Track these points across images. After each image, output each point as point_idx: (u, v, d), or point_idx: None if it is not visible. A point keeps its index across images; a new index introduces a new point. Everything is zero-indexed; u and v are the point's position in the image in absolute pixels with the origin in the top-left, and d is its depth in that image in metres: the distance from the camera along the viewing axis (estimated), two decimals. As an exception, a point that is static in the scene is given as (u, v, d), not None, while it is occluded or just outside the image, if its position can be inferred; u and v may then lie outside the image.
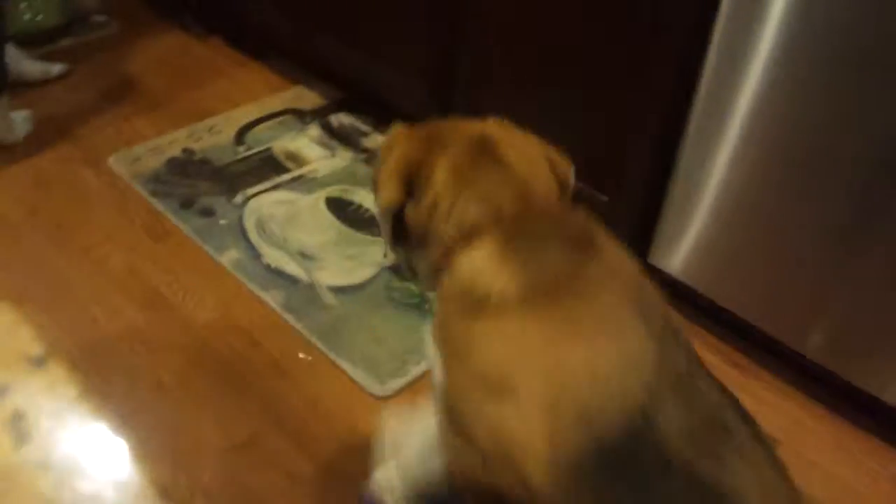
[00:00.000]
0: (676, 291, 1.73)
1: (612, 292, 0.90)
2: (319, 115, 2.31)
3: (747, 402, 1.56)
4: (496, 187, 0.95)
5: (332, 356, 1.60)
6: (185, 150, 2.14)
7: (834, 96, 1.33)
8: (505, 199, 0.94)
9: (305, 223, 1.93)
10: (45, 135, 2.17)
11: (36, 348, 1.58)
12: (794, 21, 1.31)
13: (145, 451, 1.42)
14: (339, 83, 2.37)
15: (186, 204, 1.95)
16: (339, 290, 1.75)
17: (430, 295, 1.21)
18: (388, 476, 1.17)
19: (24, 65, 2.35)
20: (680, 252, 1.67)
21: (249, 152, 2.16)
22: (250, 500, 1.36)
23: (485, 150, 0.97)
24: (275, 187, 2.04)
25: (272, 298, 1.72)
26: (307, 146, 2.19)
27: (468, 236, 0.93)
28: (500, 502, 0.88)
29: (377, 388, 1.54)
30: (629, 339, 0.87)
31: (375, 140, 2.21)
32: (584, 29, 1.60)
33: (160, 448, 1.43)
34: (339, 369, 1.58)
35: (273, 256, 1.82)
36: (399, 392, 1.55)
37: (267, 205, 1.98)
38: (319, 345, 1.62)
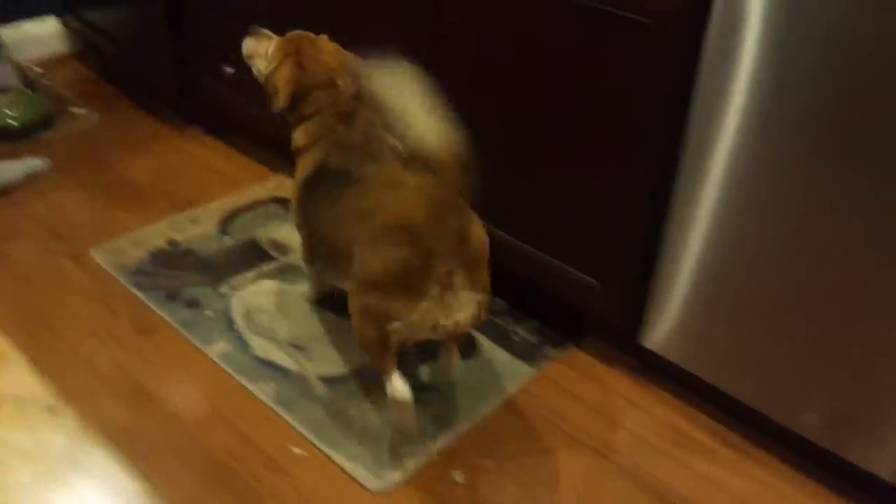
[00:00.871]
0: (668, 372, 1.75)
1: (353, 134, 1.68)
2: (303, 203, 2.32)
3: (745, 485, 1.57)
4: (323, 101, 1.70)
5: (327, 450, 1.57)
6: (169, 242, 2.13)
7: (807, 173, 1.37)
8: (323, 101, 1.70)
9: (293, 312, 1.92)
10: (25, 228, 2.15)
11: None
12: (761, 93, 1.37)
13: (136, 558, 1.37)
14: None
15: (172, 296, 1.93)
16: (330, 381, 1.73)
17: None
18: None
19: (5, 171, 2.32)
20: (668, 333, 1.68)
21: (234, 242, 2.15)
22: None
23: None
24: (261, 276, 2.03)
25: (262, 391, 1.69)
26: (291, 234, 2.18)
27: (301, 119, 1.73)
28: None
29: (373, 483, 1.51)
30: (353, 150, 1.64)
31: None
32: (567, 116, 1.64)
33: (151, 554, 1.37)
34: (334, 463, 1.55)
35: (262, 347, 1.80)
36: (396, 486, 1.52)
37: (254, 294, 1.97)
38: (313, 438, 1.59)
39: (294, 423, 1.62)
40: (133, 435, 1.58)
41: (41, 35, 3.08)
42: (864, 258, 1.36)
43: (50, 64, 3.05)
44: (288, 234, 2.18)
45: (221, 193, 2.35)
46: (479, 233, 1.46)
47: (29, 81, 2.83)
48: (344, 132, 1.67)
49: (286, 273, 2.05)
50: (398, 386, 1.50)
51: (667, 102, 1.49)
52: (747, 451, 1.65)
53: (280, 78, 1.70)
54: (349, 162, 1.60)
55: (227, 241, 2.15)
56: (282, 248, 2.14)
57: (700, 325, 1.63)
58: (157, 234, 2.16)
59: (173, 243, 2.13)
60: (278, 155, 2.46)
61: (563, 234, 1.77)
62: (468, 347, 1.85)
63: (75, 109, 2.77)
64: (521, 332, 1.91)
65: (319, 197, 1.62)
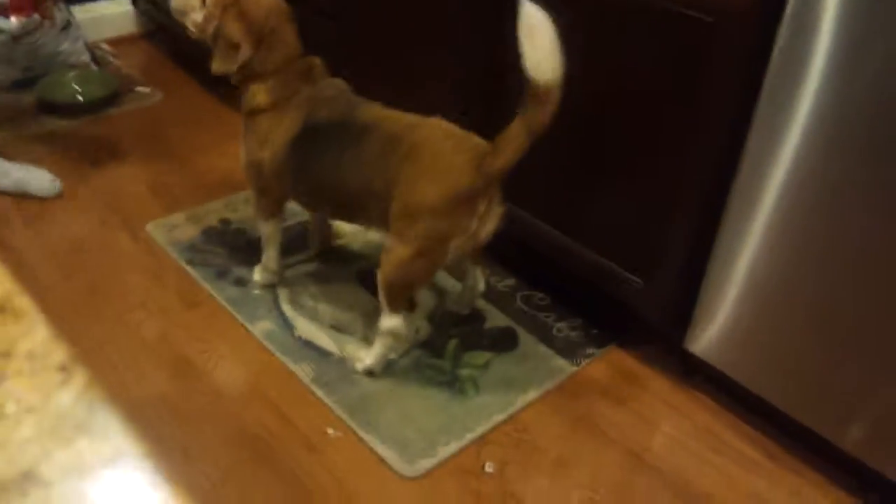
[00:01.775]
0: (712, 378, 1.71)
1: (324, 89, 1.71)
2: (354, 189, 2.34)
3: (784, 498, 1.52)
4: (277, 54, 1.69)
5: (361, 433, 1.58)
6: (221, 221, 2.17)
7: (875, 180, 1.32)
8: (278, 57, 1.69)
9: (337, 296, 1.94)
10: (85, 201, 2.22)
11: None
12: (828, 110, 1.33)
13: (169, 524, 1.40)
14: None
15: (221, 273, 1.97)
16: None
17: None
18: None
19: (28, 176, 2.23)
20: (715, 338, 1.65)
21: (284, 224, 2.17)
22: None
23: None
24: (308, 259, 2.05)
25: (303, 371, 1.71)
26: (341, 219, 2.21)
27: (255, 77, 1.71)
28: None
29: (406, 469, 1.51)
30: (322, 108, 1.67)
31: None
32: (624, 117, 1.62)
33: (184, 521, 1.40)
34: (368, 447, 1.56)
35: (305, 329, 1.82)
36: (428, 473, 1.52)
37: (300, 276, 1.99)
38: (349, 421, 1.60)
39: (331, 404, 1.64)
40: (174, 403, 1.62)
41: (113, 15, 3.17)
42: None
43: (120, 44, 3.13)
44: (337, 218, 2.20)
45: (276, 176, 2.38)
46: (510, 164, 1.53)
47: (98, 60, 2.92)
48: (311, 90, 1.68)
49: (332, 256, 2.06)
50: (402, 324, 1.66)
51: (730, 103, 1.45)
52: (788, 463, 1.60)
53: (233, 29, 1.65)
54: (341, 114, 1.63)
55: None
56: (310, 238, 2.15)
57: (749, 333, 1.59)
58: (211, 212, 2.20)
59: (226, 222, 2.17)
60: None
61: (611, 231, 1.74)
62: (509, 340, 1.84)
63: (141, 88, 2.84)
64: (563, 329, 1.89)
65: (322, 152, 1.61)
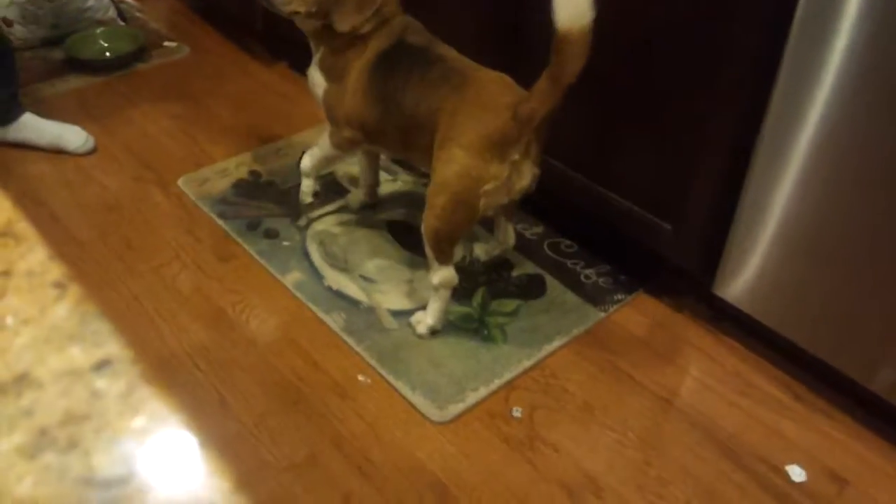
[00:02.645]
0: (740, 322, 1.71)
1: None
2: (381, 139, 2.35)
3: (813, 439, 1.53)
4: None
5: (391, 380, 1.61)
6: (251, 173, 2.19)
7: (908, 128, 1.30)
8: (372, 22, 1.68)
9: (367, 247, 1.96)
10: (117, 157, 2.25)
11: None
12: (862, 48, 1.29)
13: (204, 468, 1.45)
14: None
15: (252, 226, 2.00)
16: (398, 314, 1.77)
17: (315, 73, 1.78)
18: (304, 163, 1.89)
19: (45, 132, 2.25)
20: (744, 283, 1.64)
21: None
22: (309, 521, 1.37)
23: None
24: (338, 210, 2.07)
25: (333, 321, 1.74)
26: (369, 170, 2.22)
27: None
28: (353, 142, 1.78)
29: (435, 414, 1.55)
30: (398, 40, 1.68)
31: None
32: (653, 63, 1.60)
33: (219, 465, 1.45)
34: (398, 393, 1.59)
35: (335, 279, 1.85)
36: (457, 418, 1.55)
37: (330, 228, 2.01)
38: (379, 368, 1.64)
39: (362, 352, 1.67)
40: (210, 352, 1.66)
41: (138, -30, 3.17)
42: None
43: (146, -1, 3.14)
44: (365, 169, 2.21)
45: (304, 127, 2.39)
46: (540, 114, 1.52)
47: (124, 15, 2.93)
48: (404, 18, 1.71)
49: (362, 208, 2.08)
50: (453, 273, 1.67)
51: (760, 45, 1.42)
52: (817, 405, 1.61)
53: None
54: (427, 40, 1.67)
55: (307, 175, 2.19)
56: (359, 183, 2.16)
57: (778, 277, 1.58)
58: (240, 165, 2.23)
59: (256, 174, 2.19)
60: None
61: (641, 177, 1.73)
62: (537, 287, 1.85)
63: (168, 43, 2.85)
64: (591, 275, 1.89)
65: (399, 70, 1.63)
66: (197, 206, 2.07)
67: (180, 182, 2.15)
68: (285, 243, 1.95)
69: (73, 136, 2.24)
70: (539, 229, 2.03)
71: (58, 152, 2.23)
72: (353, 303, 1.79)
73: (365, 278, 1.86)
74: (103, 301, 1.78)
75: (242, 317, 1.76)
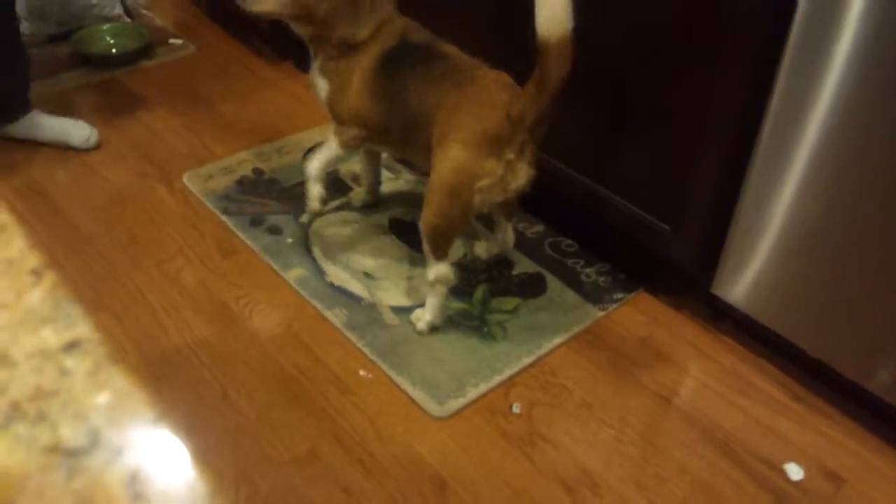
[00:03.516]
0: (739, 322, 1.72)
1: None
2: (384, 138, 2.36)
3: (810, 438, 1.54)
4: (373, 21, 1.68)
5: (392, 375, 1.63)
6: (255, 170, 2.21)
7: (907, 129, 1.31)
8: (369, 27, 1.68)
9: (368, 244, 1.97)
10: (122, 153, 2.27)
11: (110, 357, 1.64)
12: (865, 46, 1.30)
13: (207, 461, 1.46)
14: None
15: (255, 222, 2.01)
16: (400, 311, 1.78)
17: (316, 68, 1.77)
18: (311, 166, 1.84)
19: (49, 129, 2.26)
20: (743, 283, 1.65)
21: (316, 173, 2.21)
22: (309, 513, 1.39)
23: None
24: (340, 207, 2.09)
25: (335, 316, 1.75)
26: (372, 168, 2.23)
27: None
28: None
29: (436, 409, 1.56)
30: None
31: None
32: (651, 62, 1.61)
33: (222, 458, 1.47)
34: (399, 388, 1.61)
35: (337, 275, 1.86)
36: (457, 413, 1.56)
37: (332, 224, 2.03)
38: (380, 363, 1.65)
39: (363, 348, 1.68)
40: (213, 346, 1.68)
41: (145, -32, 3.19)
42: None
43: (153, -4, 3.16)
44: (368, 167, 2.22)
45: (308, 126, 2.41)
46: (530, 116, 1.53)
47: (131, 12, 2.95)
48: (404, 19, 1.72)
49: (364, 205, 2.09)
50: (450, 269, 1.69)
51: (761, 41, 1.43)
52: (815, 405, 1.62)
53: None
54: (429, 38, 1.69)
55: (310, 173, 2.21)
56: (360, 181, 2.18)
57: (777, 277, 1.59)
58: (244, 162, 2.24)
59: (259, 172, 2.21)
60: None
61: (640, 177, 1.74)
62: (537, 285, 1.87)
63: (174, 41, 2.87)
64: (591, 274, 1.91)
65: (402, 67, 1.64)
66: (201, 202, 2.08)
67: (184, 178, 2.16)
68: (288, 240, 1.97)
69: (78, 132, 2.26)
70: (540, 228, 2.04)
71: (63, 148, 2.24)
72: (355, 299, 1.81)
73: (367, 275, 1.87)
74: (104, 293, 1.79)
75: (245, 312, 1.77)
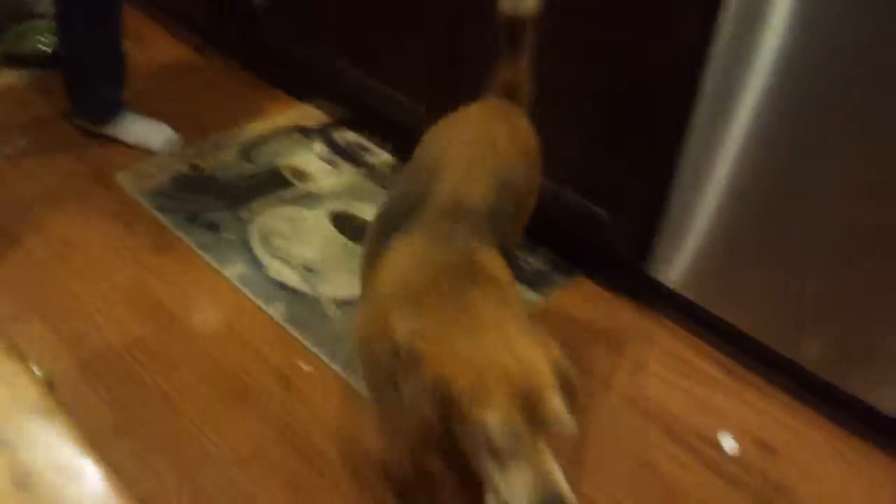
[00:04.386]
0: (676, 304, 1.76)
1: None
2: (324, 132, 2.35)
3: (743, 412, 1.59)
4: None
5: (335, 367, 1.62)
6: (192, 167, 2.18)
7: (835, 103, 1.35)
8: None
9: (309, 238, 1.96)
10: (55, 150, 2.21)
11: (43, 360, 1.60)
12: (804, 13, 1.33)
13: (147, 462, 1.44)
14: (343, 101, 2.41)
15: (192, 218, 1.98)
16: (342, 303, 1.77)
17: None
18: None
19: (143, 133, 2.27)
20: (679, 266, 1.69)
21: (255, 168, 2.19)
22: (253, 510, 1.38)
23: None
24: (280, 202, 2.07)
25: (276, 311, 1.74)
26: (312, 162, 2.22)
27: None
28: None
29: (378, 399, 1.56)
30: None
31: (377, 156, 2.25)
32: (582, 49, 1.63)
33: (163, 459, 1.45)
34: (342, 380, 1.60)
35: (277, 270, 1.85)
36: (400, 403, 1.57)
37: (272, 220, 2.01)
38: (321, 356, 1.64)
39: (305, 341, 1.68)
40: (150, 346, 1.65)
41: (73, -37, 3.10)
42: (884, 198, 1.35)
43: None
44: (308, 162, 2.21)
45: (246, 121, 2.38)
46: None
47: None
48: None
49: (305, 199, 2.08)
50: None
51: (689, 34, 1.46)
52: (750, 380, 1.66)
53: None
54: None
55: (249, 168, 2.19)
56: (302, 175, 2.17)
57: (711, 259, 1.63)
58: (180, 159, 2.21)
59: (196, 168, 2.18)
60: (303, 84, 2.48)
61: (576, 166, 1.76)
62: (479, 275, 1.88)
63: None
64: (531, 261, 1.92)
65: None
66: (136, 201, 2.04)
67: (119, 176, 2.12)
68: (226, 235, 1.94)
69: (157, 135, 2.24)
70: (481, 217, 2.05)
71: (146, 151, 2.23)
72: (296, 293, 1.79)
73: (307, 269, 1.86)
74: (36, 295, 1.75)
75: (183, 310, 1.75)
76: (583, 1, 1.58)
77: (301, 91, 2.49)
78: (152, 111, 2.41)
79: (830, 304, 1.48)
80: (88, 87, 2.22)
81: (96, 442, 0.90)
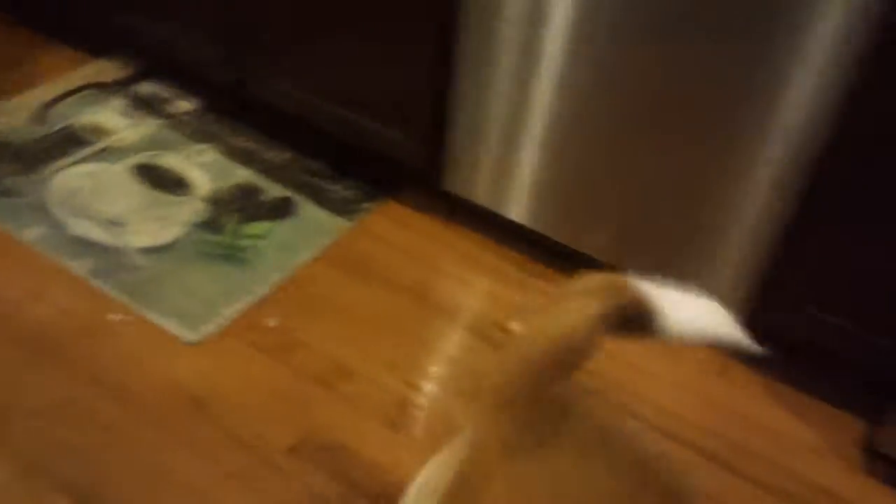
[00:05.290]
0: (473, 212, 1.87)
1: None
2: (122, 86, 2.30)
3: (533, 299, 1.71)
4: None
5: (143, 312, 1.63)
6: (-22, 134, 2.08)
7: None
8: None
9: (113, 192, 1.94)
10: None
11: None
12: None
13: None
14: (139, 53, 2.35)
15: (-17, 186, 1.92)
16: (148, 251, 1.78)
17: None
18: None
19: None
20: (468, 175, 1.79)
21: (51, 130, 2.12)
22: (68, 455, 1.39)
23: None
24: (79, 161, 2.02)
25: (79, 266, 1.72)
26: (111, 118, 2.17)
27: None
28: None
29: (189, 335, 1.59)
30: None
31: (178, 105, 2.23)
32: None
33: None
34: (151, 324, 1.62)
35: (79, 227, 1.82)
36: (212, 336, 1.60)
37: (72, 179, 1.96)
38: (130, 304, 1.65)
39: (112, 292, 1.67)
40: (-54, 318, 1.60)
41: None
42: (665, 97, 1.48)
43: None
44: (107, 118, 2.16)
45: (38, 83, 2.28)
46: None
47: None
48: None
49: (105, 155, 2.04)
50: None
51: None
52: (541, 273, 1.81)
53: None
54: None
55: (44, 130, 2.12)
56: (101, 131, 2.12)
57: (497, 165, 1.74)
58: (-33, 128, 2.11)
59: (-16, 136, 2.09)
60: (102, 41, 2.40)
61: (367, 92, 1.82)
62: (287, 207, 1.92)
63: None
64: (338, 190, 1.98)
65: None
66: (-81, 175, 1.95)
67: None
68: (23, 200, 1.89)
69: None
70: (288, 155, 2.09)
71: None
72: (100, 247, 1.78)
73: (112, 222, 1.85)
74: None
75: (-20, 277, 1.70)
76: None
77: (97, 47, 2.41)
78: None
79: (613, 194, 1.62)
80: None
81: None
